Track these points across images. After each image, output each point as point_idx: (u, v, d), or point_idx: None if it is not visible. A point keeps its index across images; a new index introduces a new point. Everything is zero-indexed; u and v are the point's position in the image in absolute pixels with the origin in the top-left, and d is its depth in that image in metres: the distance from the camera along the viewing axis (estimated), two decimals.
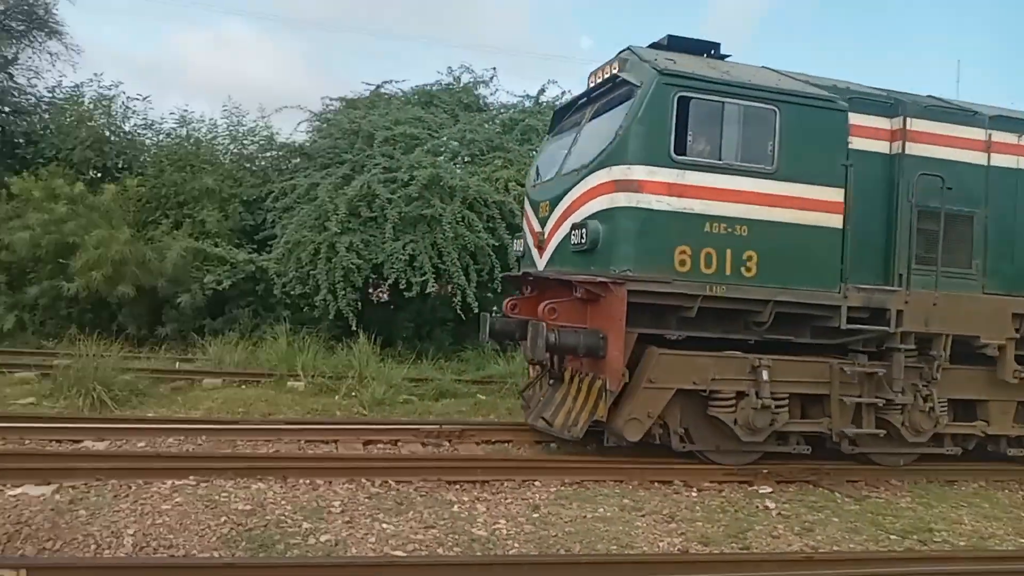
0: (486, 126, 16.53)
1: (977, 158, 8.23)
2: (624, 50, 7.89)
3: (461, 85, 18.20)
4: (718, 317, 7.57)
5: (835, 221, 7.56)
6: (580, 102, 8.77)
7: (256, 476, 6.44)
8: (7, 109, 19.32)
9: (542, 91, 18.03)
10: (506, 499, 6.49)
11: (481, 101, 18.21)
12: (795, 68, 8.27)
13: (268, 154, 17.66)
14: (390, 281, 13.80)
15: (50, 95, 19.55)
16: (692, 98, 7.19)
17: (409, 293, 13.77)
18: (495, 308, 12.84)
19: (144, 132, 18.60)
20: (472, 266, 14.12)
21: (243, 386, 10.90)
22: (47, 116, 18.97)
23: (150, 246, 14.92)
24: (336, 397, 10.50)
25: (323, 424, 8.87)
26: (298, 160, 17.06)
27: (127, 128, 18.55)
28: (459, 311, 14.21)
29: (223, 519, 5.41)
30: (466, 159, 15.84)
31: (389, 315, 15.52)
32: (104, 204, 15.19)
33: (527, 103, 17.83)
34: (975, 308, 8.07)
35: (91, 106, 18.00)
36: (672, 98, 7.13)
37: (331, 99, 17.92)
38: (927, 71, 65.70)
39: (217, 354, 12.36)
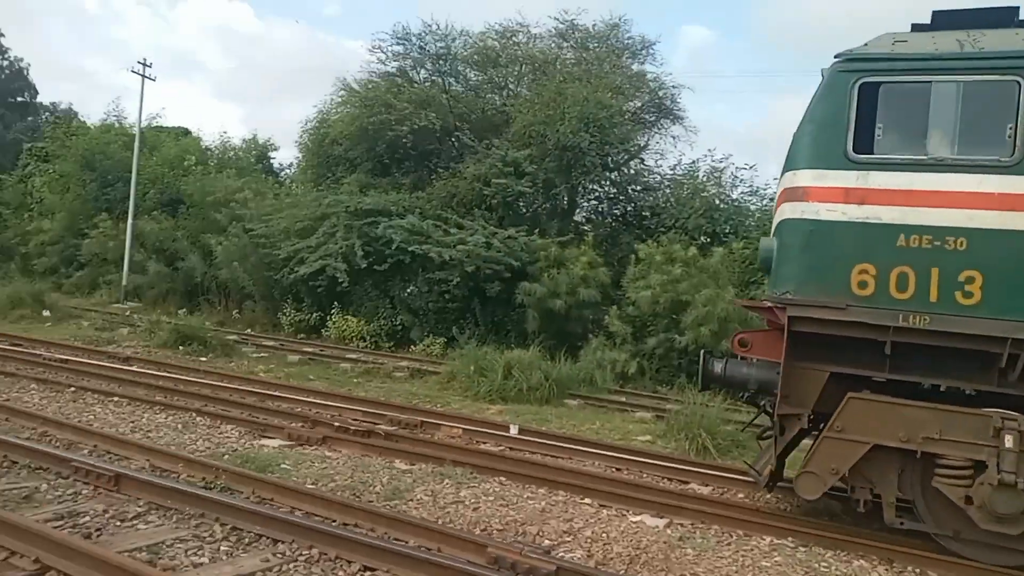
0: None
1: None
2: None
3: None
4: (959, 359, 5.80)
5: None
6: None
7: (858, 554, 5.95)
8: (639, 188, 23.07)
9: None
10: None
11: None
12: None
13: None
14: None
15: (671, 172, 22.63)
16: (882, 83, 5.99)
17: None
18: None
19: (749, 198, 20.00)
20: None
21: None
22: (668, 191, 21.92)
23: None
24: None
25: None
26: None
27: (734, 196, 20.24)
28: None
29: None
30: None
31: None
32: (712, 266, 16.67)
33: None
34: None
35: (704, 179, 20.17)
36: (851, 87, 5.99)
37: None
38: None
39: None
